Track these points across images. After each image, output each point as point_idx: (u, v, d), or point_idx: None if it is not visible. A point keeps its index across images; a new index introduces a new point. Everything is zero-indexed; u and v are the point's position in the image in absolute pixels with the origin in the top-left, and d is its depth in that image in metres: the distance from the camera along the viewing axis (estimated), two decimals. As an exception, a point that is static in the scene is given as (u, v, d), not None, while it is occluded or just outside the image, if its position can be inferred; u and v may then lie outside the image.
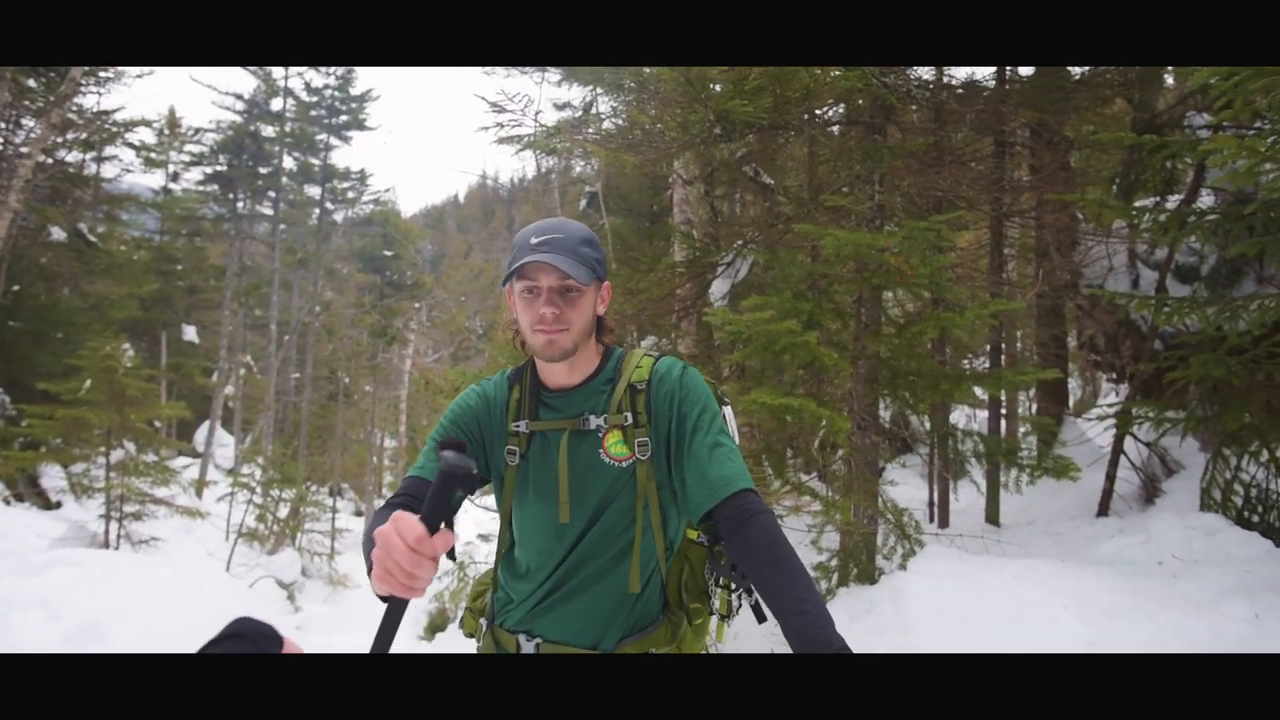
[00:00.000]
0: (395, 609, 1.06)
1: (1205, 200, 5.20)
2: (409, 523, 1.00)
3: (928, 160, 4.51)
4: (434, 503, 1.03)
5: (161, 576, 6.39)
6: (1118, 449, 5.56)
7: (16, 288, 11.68)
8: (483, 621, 1.53)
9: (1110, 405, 5.72)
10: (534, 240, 1.39)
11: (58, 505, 10.09)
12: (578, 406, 1.46)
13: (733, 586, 1.51)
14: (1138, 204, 5.12)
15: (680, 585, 1.50)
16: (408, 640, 7.76)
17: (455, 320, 27.63)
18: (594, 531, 1.42)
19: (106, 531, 8.57)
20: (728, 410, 1.53)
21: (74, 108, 12.69)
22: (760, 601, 1.36)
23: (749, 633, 3.81)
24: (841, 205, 4.04)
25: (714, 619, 1.55)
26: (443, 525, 1.03)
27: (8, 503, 9.47)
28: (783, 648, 1.23)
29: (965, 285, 5.00)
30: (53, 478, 10.43)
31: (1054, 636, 2.66)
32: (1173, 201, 5.43)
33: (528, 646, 1.45)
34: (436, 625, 7.93)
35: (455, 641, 7.27)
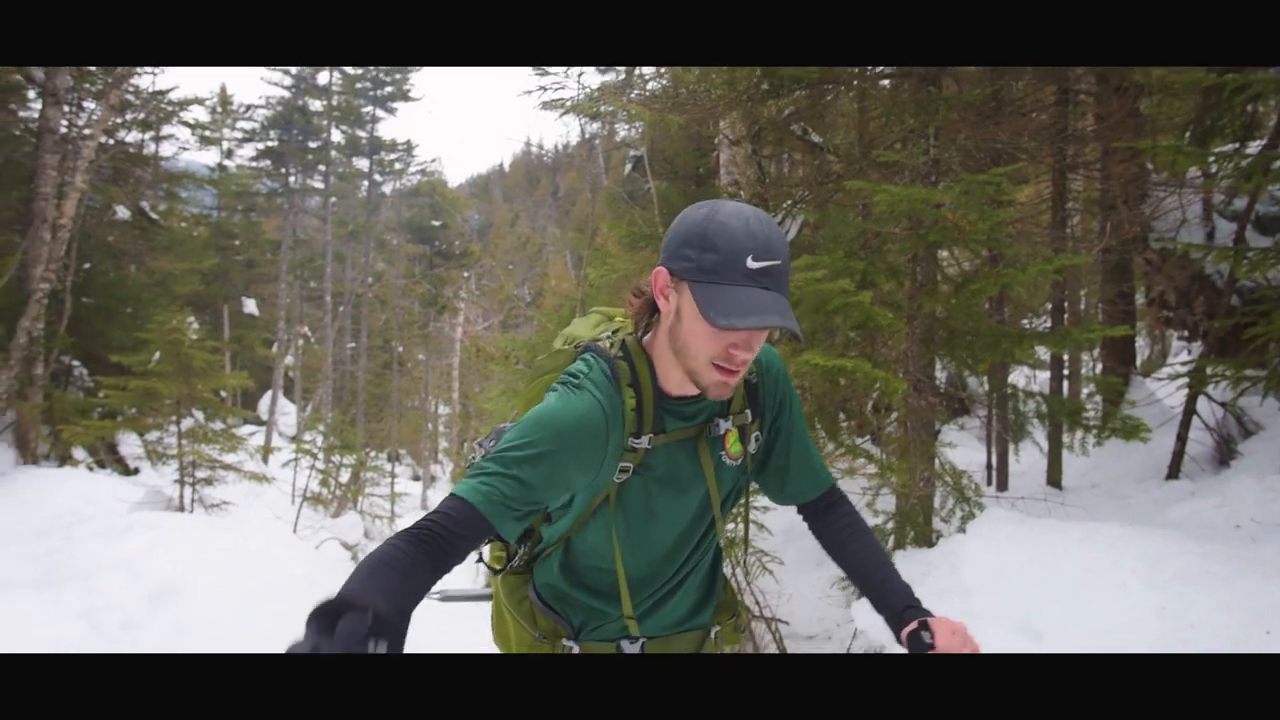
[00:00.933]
0: None
1: (1290, 144, 4.87)
2: None
3: (985, 112, 4.31)
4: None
5: (233, 538, 6.68)
6: (1190, 409, 5.32)
7: (88, 266, 12.15)
8: (567, 643, 1.39)
9: (1183, 364, 5.47)
10: (753, 265, 1.12)
11: (136, 471, 10.60)
12: (706, 411, 1.32)
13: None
14: (1215, 151, 4.83)
15: None
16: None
17: (504, 288, 27.94)
18: (710, 535, 1.41)
19: (181, 496, 8.99)
20: None
21: (131, 88, 13.03)
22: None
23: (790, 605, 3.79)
24: (894, 161, 3.90)
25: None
26: None
27: (90, 469, 9.99)
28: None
29: (1025, 242, 4.81)
30: (130, 445, 10.96)
31: (1121, 602, 2.58)
32: (1254, 147, 5.10)
33: (631, 647, 1.40)
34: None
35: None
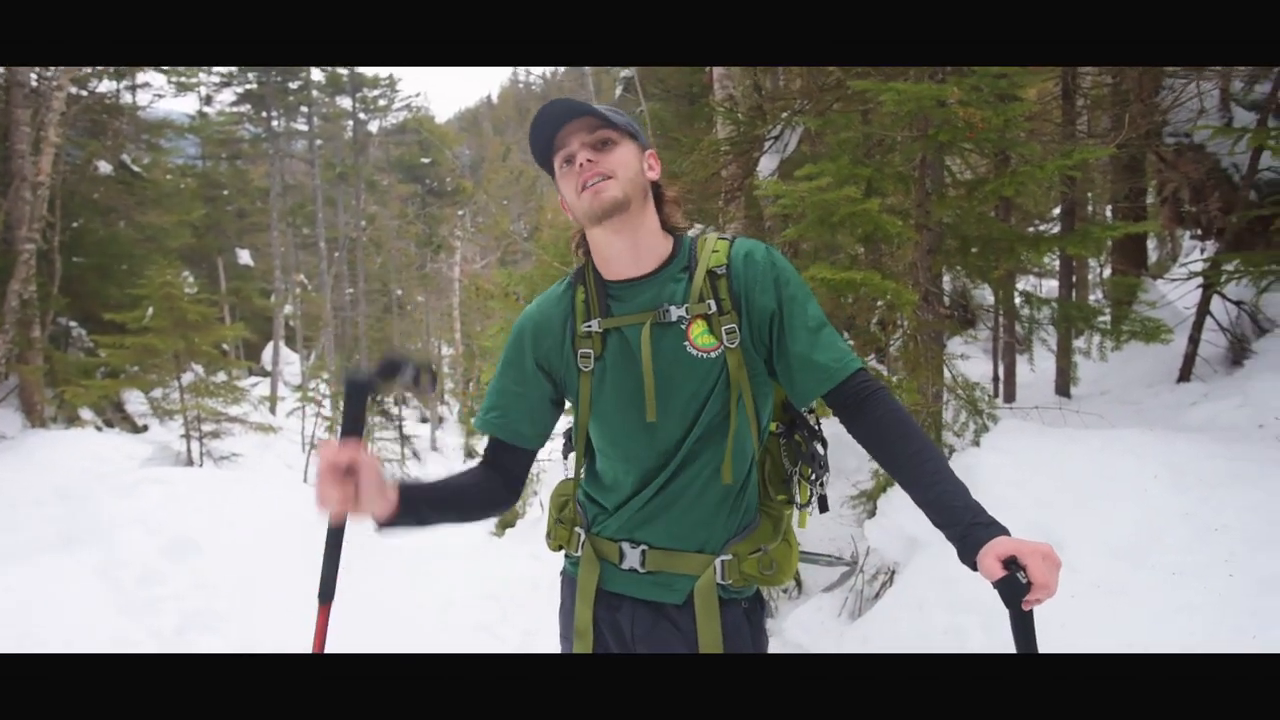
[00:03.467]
0: (332, 536, 1.24)
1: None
2: (327, 444, 1.15)
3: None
4: (344, 418, 1.20)
5: (244, 489, 6.70)
6: (1204, 309, 5.19)
7: (76, 224, 11.91)
8: (579, 530, 1.45)
9: (1200, 262, 5.31)
10: (548, 109, 1.32)
11: (144, 428, 10.64)
12: (653, 298, 1.33)
13: (812, 475, 1.42)
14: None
15: (765, 477, 1.42)
16: (481, 535, 8.09)
17: (499, 224, 27.46)
18: (694, 433, 1.33)
19: (189, 450, 9.03)
20: None
21: (97, 34, 12.49)
22: (826, 495, 1.43)
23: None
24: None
25: (795, 510, 1.45)
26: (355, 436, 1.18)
27: (99, 429, 10.02)
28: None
29: (1036, 141, 4.60)
30: (136, 403, 10.97)
31: (1145, 509, 2.51)
32: None
33: (632, 554, 1.37)
34: (506, 522, 8.22)
35: (525, 535, 7.54)
